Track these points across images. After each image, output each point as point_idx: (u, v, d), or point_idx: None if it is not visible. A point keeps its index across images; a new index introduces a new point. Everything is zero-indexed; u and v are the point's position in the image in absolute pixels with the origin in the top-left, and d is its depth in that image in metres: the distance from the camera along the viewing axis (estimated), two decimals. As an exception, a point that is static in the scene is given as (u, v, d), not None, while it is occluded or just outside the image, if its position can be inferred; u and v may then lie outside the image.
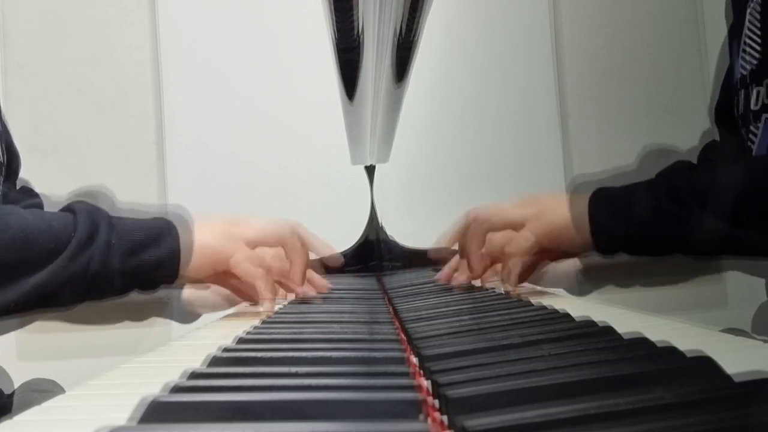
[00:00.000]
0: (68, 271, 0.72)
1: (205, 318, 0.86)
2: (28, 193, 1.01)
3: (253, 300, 0.86)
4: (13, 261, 0.71)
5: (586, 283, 1.09)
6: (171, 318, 1.01)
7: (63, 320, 0.93)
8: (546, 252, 0.88)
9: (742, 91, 0.95)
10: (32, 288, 0.71)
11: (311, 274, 0.91)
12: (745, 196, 0.77)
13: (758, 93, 0.91)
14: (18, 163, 1.02)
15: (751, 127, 0.93)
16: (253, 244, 0.84)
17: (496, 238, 0.90)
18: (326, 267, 0.97)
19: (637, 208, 0.82)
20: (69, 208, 0.77)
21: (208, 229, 0.83)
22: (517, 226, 0.87)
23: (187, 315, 0.99)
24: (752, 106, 0.92)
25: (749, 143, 0.94)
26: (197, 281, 0.85)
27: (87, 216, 0.75)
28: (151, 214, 0.82)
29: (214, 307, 0.97)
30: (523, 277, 0.89)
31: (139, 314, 1.01)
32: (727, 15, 1.02)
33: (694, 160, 1.03)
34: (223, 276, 0.85)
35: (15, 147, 1.01)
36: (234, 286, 0.87)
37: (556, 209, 0.86)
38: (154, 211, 0.83)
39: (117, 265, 0.75)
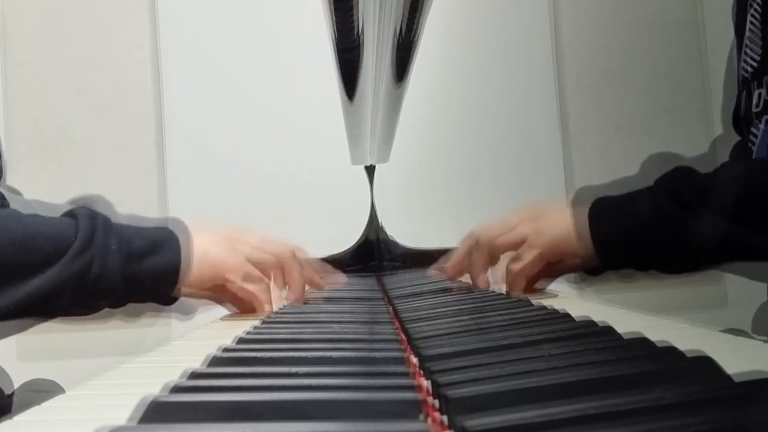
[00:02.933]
0: (68, 274, 0.72)
1: (205, 318, 0.86)
2: None
3: (252, 312, 0.86)
4: (14, 264, 0.71)
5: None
6: (170, 311, 1.00)
7: (62, 319, 0.92)
8: (550, 265, 0.88)
9: (744, 92, 0.95)
10: (32, 291, 0.71)
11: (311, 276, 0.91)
12: (745, 198, 0.77)
13: (759, 94, 0.91)
14: (4, 168, 1.01)
15: (752, 128, 0.93)
16: (252, 260, 0.84)
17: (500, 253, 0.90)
18: (325, 269, 0.97)
19: (638, 214, 0.82)
20: (70, 214, 0.77)
21: (207, 239, 0.83)
22: (519, 246, 0.87)
23: (186, 307, 0.98)
24: (753, 108, 0.92)
25: (750, 144, 0.94)
26: (195, 292, 0.85)
27: (88, 221, 0.75)
28: (149, 223, 0.82)
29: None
30: (527, 289, 0.89)
31: (134, 312, 1.00)
32: (733, 17, 1.02)
33: (699, 168, 1.03)
34: (222, 288, 0.85)
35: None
36: (233, 297, 0.87)
37: (557, 222, 0.86)
38: (152, 220, 0.83)
39: (117, 271, 0.75)
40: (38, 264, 0.71)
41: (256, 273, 0.84)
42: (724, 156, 1.27)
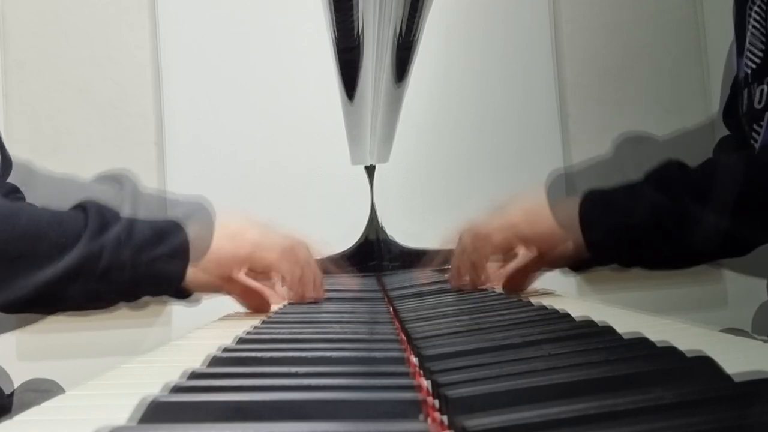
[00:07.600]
0: (77, 266, 0.72)
1: (205, 318, 0.85)
2: None
3: (261, 308, 0.85)
4: (25, 255, 0.71)
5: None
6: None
7: (62, 319, 0.92)
8: (541, 259, 0.87)
9: (746, 90, 0.95)
10: (43, 282, 0.71)
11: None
12: (743, 192, 0.76)
13: (761, 91, 0.91)
14: (9, 168, 1.01)
15: (755, 126, 0.93)
16: (259, 254, 0.85)
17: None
18: (326, 269, 0.97)
19: (629, 205, 0.81)
20: (80, 206, 0.77)
21: (232, 217, 0.84)
22: (510, 240, 0.86)
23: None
24: (756, 104, 0.92)
25: (752, 141, 0.94)
26: (207, 281, 0.84)
27: (97, 213, 0.75)
28: (172, 201, 0.82)
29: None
30: (521, 283, 0.88)
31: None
32: (733, 16, 1.02)
33: (672, 149, 1.01)
34: (231, 283, 0.84)
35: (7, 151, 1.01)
36: (244, 290, 0.86)
37: (546, 214, 0.85)
38: (176, 197, 0.83)
39: (127, 262, 0.75)
40: (49, 255, 0.72)
41: (263, 267, 0.84)
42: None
